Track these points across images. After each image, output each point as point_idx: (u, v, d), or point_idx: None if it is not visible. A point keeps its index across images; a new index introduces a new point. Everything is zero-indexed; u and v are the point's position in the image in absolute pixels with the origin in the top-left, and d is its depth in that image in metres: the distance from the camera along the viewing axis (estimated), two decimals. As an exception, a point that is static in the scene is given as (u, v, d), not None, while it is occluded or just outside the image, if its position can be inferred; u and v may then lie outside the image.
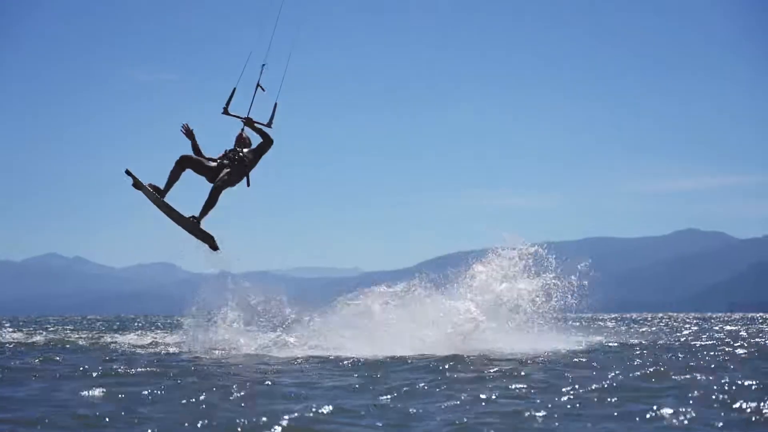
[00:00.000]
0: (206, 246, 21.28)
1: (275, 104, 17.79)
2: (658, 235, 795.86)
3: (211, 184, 19.88)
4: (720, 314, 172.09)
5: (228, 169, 19.39)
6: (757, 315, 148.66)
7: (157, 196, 20.12)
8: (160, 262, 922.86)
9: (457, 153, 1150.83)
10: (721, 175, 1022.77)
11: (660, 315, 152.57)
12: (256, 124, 19.16)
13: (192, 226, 20.50)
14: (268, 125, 18.74)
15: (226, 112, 17.99)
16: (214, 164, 19.56)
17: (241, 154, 19.65)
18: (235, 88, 16.91)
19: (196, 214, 20.72)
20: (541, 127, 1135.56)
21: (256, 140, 19.95)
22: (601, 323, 70.97)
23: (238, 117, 18.35)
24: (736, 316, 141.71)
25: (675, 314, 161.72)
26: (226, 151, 19.77)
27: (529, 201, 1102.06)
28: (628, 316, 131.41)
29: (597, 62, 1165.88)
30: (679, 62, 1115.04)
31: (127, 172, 20.04)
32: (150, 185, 20.20)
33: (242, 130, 19.63)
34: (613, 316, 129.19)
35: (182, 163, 19.81)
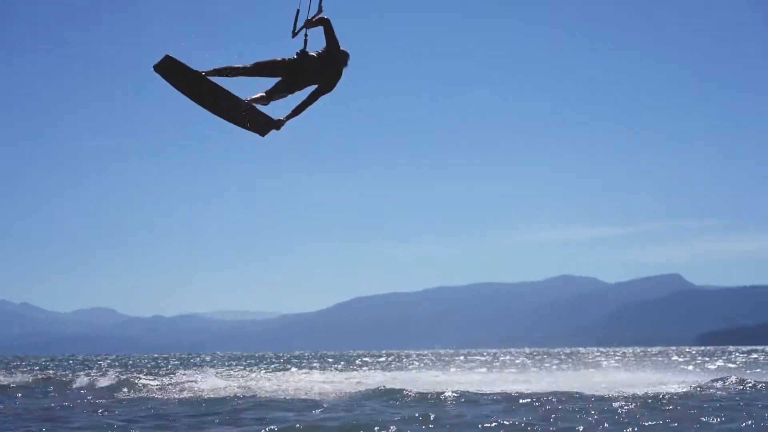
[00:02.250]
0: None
1: (298, 10, 14.20)
2: (537, 281, 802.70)
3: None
4: (592, 348, 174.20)
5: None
6: (628, 349, 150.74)
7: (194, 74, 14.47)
8: (100, 306, 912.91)
9: (367, 205, 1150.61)
10: (592, 227, 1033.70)
11: (544, 349, 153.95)
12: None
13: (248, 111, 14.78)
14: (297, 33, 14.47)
15: (295, 34, 14.45)
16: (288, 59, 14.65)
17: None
18: (298, 9, 13.92)
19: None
20: (438, 188, 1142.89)
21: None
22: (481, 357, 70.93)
23: (310, 23, 14.15)
24: (607, 349, 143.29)
25: (557, 349, 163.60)
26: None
27: (430, 250, 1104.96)
28: (519, 350, 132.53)
29: (486, 131, 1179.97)
30: (547, 125, 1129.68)
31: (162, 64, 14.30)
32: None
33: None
34: (503, 350, 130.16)
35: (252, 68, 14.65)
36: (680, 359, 65.83)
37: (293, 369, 47.50)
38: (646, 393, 23.02)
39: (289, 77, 14.48)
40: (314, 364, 55.80)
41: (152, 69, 14.21)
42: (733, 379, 29.05)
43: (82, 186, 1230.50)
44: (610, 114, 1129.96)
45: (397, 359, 73.92)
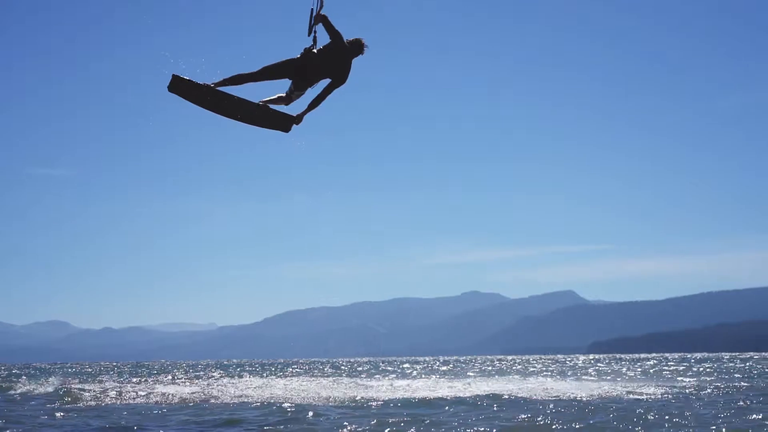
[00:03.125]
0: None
1: (312, 10, 13.59)
2: (449, 296, 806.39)
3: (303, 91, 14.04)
4: (500, 356, 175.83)
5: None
6: (527, 357, 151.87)
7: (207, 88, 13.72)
8: (54, 320, 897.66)
9: (298, 224, 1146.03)
10: (498, 249, 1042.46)
11: (454, 358, 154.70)
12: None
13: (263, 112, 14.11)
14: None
15: (310, 33, 13.71)
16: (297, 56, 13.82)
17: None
18: (312, 9, 13.31)
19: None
20: (364, 210, 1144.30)
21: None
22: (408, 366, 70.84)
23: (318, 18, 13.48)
24: (510, 356, 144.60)
25: (468, 356, 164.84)
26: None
27: (350, 269, 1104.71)
28: (429, 359, 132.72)
29: (405, 156, 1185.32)
30: (458, 156, 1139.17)
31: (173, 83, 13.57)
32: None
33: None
34: (420, 358, 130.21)
35: (260, 73, 13.81)
36: (578, 364, 66.52)
37: (228, 377, 46.83)
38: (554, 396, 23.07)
39: (298, 76, 13.83)
40: (242, 372, 55.06)
41: (167, 90, 13.55)
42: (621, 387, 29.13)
43: (37, 204, 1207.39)
44: (511, 148, 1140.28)
45: (330, 366, 73.62)
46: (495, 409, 20.04)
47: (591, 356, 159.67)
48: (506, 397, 23.54)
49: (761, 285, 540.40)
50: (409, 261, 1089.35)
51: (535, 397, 23.42)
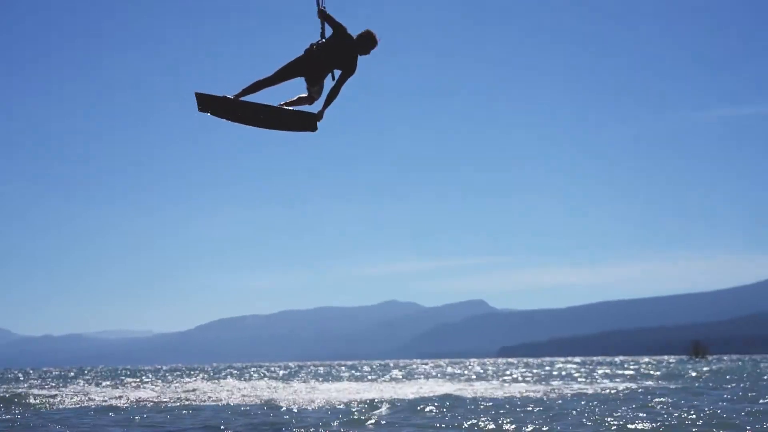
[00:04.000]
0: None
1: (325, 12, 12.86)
2: (369, 305, 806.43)
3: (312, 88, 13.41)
4: (417, 360, 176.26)
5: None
6: (441, 361, 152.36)
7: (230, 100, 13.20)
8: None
9: (230, 235, 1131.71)
10: (415, 261, 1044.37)
11: (377, 362, 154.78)
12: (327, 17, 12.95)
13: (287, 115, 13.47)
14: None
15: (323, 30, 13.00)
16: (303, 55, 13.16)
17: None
18: (319, 6, 12.64)
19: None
20: (291, 221, 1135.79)
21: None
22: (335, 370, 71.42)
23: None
24: (427, 360, 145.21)
25: (386, 361, 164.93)
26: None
27: (278, 279, 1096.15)
28: (350, 363, 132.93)
29: (333, 169, 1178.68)
30: (376, 171, 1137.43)
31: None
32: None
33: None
34: (346, 363, 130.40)
35: (275, 77, 13.23)
36: (487, 368, 67.36)
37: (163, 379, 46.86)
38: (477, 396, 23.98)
39: (308, 73, 13.08)
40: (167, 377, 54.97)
41: (198, 111, 12.95)
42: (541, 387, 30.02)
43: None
44: (425, 165, 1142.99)
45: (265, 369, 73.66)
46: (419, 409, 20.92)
47: (500, 360, 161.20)
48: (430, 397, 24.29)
49: (654, 295, 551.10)
50: (332, 271, 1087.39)
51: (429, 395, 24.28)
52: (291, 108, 13.39)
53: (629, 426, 15.66)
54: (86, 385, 39.84)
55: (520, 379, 41.92)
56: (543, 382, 36.48)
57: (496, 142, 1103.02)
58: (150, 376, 56.82)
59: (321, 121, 13.37)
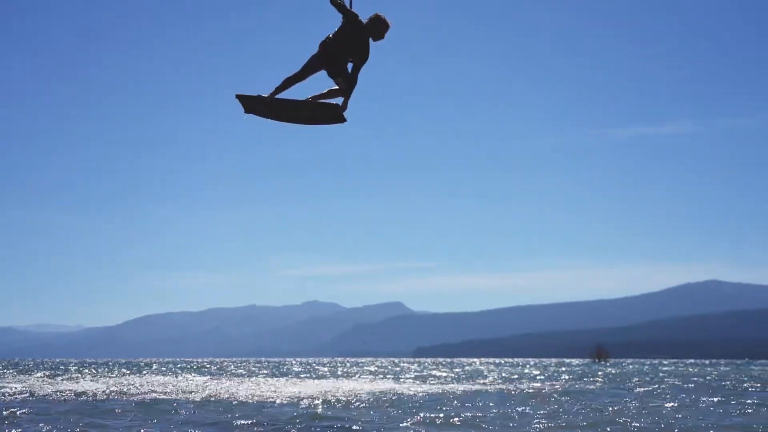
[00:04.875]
0: None
1: None
2: (293, 304, 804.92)
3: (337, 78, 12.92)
4: (339, 358, 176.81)
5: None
6: (360, 359, 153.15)
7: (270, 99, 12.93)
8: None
9: (158, 235, 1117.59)
10: (338, 264, 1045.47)
11: (300, 359, 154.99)
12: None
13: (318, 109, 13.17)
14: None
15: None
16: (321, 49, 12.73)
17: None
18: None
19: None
20: (221, 222, 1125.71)
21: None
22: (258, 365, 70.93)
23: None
24: (348, 358, 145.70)
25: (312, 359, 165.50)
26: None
27: (203, 278, 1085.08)
28: (276, 360, 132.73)
29: (262, 175, 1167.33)
30: (302, 175, 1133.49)
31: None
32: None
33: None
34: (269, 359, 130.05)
35: (299, 75, 12.81)
36: (405, 367, 67.74)
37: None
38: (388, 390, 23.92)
39: (327, 66, 12.62)
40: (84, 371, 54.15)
41: (244, 114, 12.80)
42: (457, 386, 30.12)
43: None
44: (353, 172, 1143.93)
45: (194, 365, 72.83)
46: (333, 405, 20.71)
47: (415, 359, 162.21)
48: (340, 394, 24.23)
49: (561, 301, 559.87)
50: (258, 271, 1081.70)
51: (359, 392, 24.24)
52: (318, 102, 12.99)
53: (534, 425, 15.77)
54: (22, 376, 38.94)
55: (437, 377, 42.18)
56: (463, 381, 36.74)
57: (415, 149, 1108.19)
58: (100, 369, 55.91)
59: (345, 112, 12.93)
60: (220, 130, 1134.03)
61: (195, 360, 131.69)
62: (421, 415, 17.50)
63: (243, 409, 19.29)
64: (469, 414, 17.91)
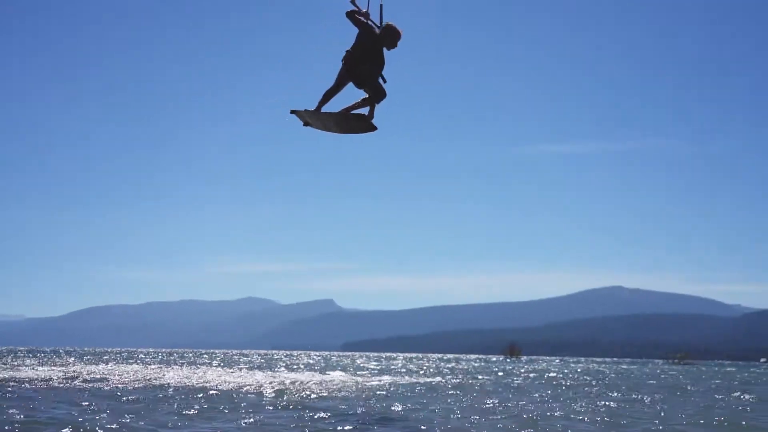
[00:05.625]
0: None
1: (381, 5, 12.21)
2: (229, 300, 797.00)
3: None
4: (274, 351, 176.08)
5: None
6: (294, 352, 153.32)
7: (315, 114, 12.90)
8: None
9: (99, 229, 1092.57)
10: (273, 262, 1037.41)
11: (238, 351, 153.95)
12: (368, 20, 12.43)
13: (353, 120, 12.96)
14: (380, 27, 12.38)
15: (352, 1, 12.27)
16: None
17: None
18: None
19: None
20: (156, 218, 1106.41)
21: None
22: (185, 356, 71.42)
23: (359, 9, 12.25)
24: (281, 351, 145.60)
25: (248, 350, 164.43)
26: None
27: (142, 272, 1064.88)
28: (216, 352, 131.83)
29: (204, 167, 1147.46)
30: (239, 174, 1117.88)
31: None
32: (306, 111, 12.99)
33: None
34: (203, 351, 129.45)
35: (337, 87, 12.64)
36: (332, 361, 68.42)
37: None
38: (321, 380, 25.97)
39: (352, 79, 12.45)
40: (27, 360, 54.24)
41: (303, 126, 12.95)
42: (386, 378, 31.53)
43: None
44: (286, 171, 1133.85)
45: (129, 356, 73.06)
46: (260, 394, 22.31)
47: (343, 353, 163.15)
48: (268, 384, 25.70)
49: (479, 302, 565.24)
50: (196, 267, 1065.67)
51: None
52: (351, 113, 12.86)
53: (456, 413, 17.27)
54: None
55: (367, 369, 43.54)
56: (385, 374, 38.31)
57: (346, 154, 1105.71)
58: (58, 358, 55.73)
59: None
60: (166, 129, 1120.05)
61: (137, 350, 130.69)
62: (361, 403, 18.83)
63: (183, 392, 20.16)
64: (392, 402, 19.15)
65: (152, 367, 40.80)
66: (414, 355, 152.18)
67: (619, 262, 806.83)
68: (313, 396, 20.30)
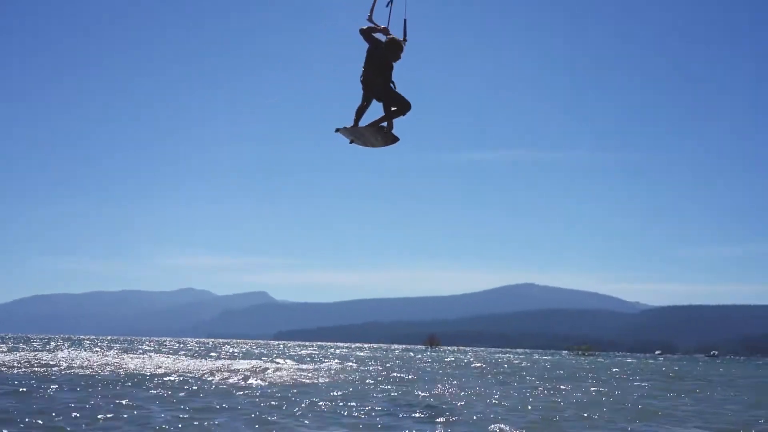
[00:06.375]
0: None
1: (405, 20, 12.00)
2: (169, 290, 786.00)
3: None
4: (210, 339, 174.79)
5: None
6: (229, 340, 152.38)
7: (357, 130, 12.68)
8: None
9: (45, 221, 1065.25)
10: (211, 255, 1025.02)
11: (180, 339, 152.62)
12: (388, 35, 12.28)
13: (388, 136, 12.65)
14: (403, 42, 12.16)
15: (369, 19, 12.07)
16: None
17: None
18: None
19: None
20: (100, 214, 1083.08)
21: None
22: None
23: (377, 26, 12.09)
24: (218, 339, 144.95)
25: (189, 338, 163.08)
26: None
27: (85, 263, 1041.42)
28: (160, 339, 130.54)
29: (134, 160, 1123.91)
30: (177, 168, 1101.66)
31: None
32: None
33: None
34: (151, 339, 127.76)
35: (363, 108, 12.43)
36: (262, 350, 68.49)
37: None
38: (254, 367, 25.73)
39: (372, 95, 12.20)
40: None
41: (349, 144, 12.61)
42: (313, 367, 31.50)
43: None
44: (224, 167, 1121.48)
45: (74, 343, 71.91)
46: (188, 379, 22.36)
47: (275, 342, 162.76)
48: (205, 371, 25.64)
49: (403, 296, 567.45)
50: (137, 258, 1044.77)
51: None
52: (377, 126, 12.55)
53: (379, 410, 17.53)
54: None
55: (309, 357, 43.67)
56: (314, 361, 38.46)
57: (283, 152, 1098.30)
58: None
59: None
60: (112, 123, 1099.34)
61: (80, 337, 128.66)
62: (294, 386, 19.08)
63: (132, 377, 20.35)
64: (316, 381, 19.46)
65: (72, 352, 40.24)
66: (341, 344, 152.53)
67: (532, 261, 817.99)
68: (237, 380, 20.27)
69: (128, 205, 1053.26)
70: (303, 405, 13.94)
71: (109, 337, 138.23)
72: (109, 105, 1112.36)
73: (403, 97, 12.20)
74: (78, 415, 11.47)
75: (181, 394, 15.29)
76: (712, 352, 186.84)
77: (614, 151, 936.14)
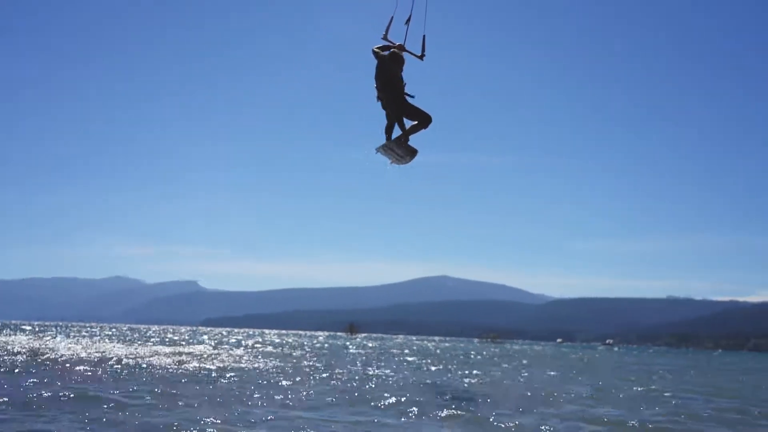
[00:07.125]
0: None
1: (423, 36, 11.57)
2: (103, 278, 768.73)
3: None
4: (139, 325, 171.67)
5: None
6: (153, 326, 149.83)
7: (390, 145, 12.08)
8: None
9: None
10: (143, 244, 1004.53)
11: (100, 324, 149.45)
12: (405, 51, 11.77)
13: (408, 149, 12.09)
14: (421, 57, 11.72)
15: (385, 38, 11.62)
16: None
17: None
18: (392, 17, 11.34)
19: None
20: (35, 204, 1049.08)
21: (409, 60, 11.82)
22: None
23: (392, 43, 11.66)
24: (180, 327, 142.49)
25: (139, 325, 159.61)
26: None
27: (20, 249, 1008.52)
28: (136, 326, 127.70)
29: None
30: (116, 159, 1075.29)
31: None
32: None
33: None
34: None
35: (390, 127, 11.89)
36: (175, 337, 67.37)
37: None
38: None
39: (392, 111, 11.77)
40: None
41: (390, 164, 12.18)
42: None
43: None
44: (169, 158, 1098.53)
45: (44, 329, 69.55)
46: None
47: (201, 328, 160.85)
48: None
49: (325, 286, 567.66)
50: (72, 246, 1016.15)
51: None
52: (399, 143, 12.00)
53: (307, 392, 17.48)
54: None
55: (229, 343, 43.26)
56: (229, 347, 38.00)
57: (216, 147, 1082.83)
58: None
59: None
60: (60, 114, 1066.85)
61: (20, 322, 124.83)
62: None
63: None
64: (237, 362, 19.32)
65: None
66: (267, 330, 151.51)
67: (446, 254, 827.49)
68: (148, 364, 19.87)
69: (66, 193, 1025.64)
70: (249, 391, 13.70)
71: (37, 323, 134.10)
72: (38, 96, 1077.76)
73: (420, 110, 11.72)
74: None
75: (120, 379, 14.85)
76: (607, 341, 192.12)
77: (536, 157, 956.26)
